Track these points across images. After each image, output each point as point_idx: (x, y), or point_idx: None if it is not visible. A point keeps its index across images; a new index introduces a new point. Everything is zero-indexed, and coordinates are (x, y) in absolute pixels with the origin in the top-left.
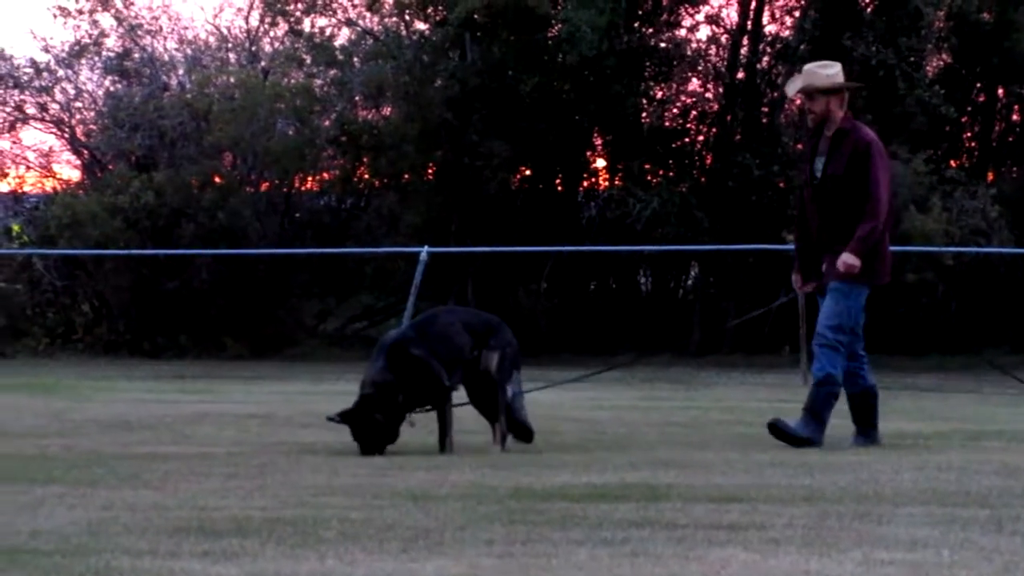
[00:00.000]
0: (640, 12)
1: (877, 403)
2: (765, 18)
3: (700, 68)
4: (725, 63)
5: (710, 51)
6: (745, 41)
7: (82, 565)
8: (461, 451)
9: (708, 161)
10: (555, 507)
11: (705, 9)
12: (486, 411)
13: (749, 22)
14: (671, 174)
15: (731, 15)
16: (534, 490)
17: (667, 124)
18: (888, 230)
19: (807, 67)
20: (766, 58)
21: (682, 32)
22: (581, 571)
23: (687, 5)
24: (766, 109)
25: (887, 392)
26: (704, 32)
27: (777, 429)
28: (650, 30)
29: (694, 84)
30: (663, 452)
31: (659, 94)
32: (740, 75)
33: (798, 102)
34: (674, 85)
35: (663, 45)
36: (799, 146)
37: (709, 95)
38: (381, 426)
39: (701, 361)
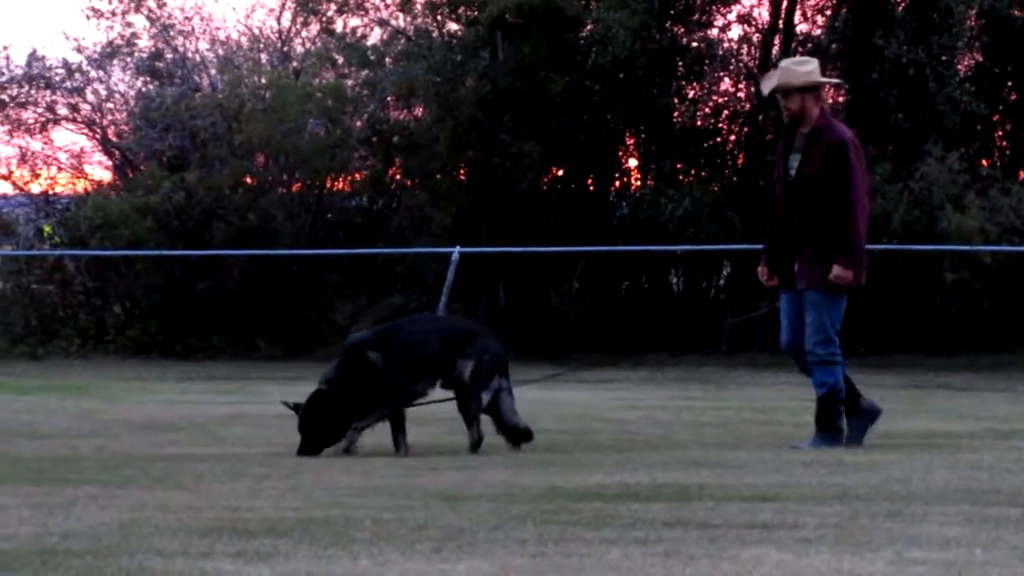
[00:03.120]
0: (672, 12)
1: (843, 405)
2: (797, 17)
3: (732, 67)
4: (757, 62)
5: (742, 50)
6: (777, 40)
7: (114, 566)
8: (492, 452)
9: (740, 160)
10: (588, 507)
11: (737, 8)
12: (464, 418)
13: (781, 21)
14: (703, 174)
15: (763, 14)
16: (566, 490)
17: (699, 124)
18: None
19: (782, 64)
20: (798, 57)
21: (714, 32)
22: (614, 571)
23: (719, 5)
24: None
25: (920, 391)
26: (736, 31)
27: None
28: (682, 30)
29: (726, 84)
30: (695, 452)
31: (691, 94)
32: None
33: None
34: (706, 85)
35: (695, 45)
36: None
37: (741, 94)
38: (325, 424)
39: (733, 360)
